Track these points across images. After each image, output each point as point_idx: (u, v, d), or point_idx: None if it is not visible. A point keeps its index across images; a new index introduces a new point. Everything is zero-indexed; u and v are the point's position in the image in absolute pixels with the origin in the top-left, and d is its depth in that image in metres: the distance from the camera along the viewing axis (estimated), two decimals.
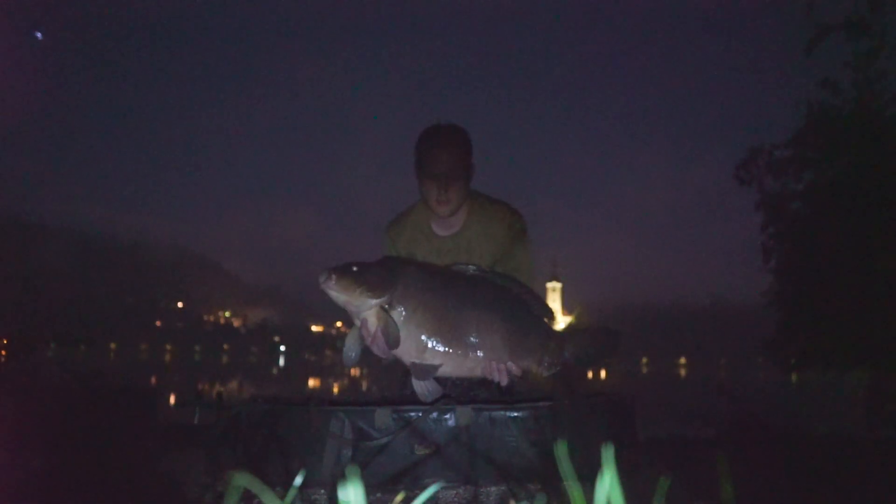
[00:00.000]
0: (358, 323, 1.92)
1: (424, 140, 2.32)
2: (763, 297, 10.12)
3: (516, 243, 2.38)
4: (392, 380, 2.58)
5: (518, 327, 1.96)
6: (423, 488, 1.52)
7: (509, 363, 1.94)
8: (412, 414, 1.67)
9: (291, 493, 0.77)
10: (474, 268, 2.06)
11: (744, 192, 9.74)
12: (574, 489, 0.64)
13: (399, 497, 1.55)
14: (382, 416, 1.66)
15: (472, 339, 1.92)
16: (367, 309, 1.87)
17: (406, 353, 1.91)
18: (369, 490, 1.57)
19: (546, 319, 2.04)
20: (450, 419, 1.67)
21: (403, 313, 1.88)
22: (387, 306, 1.87)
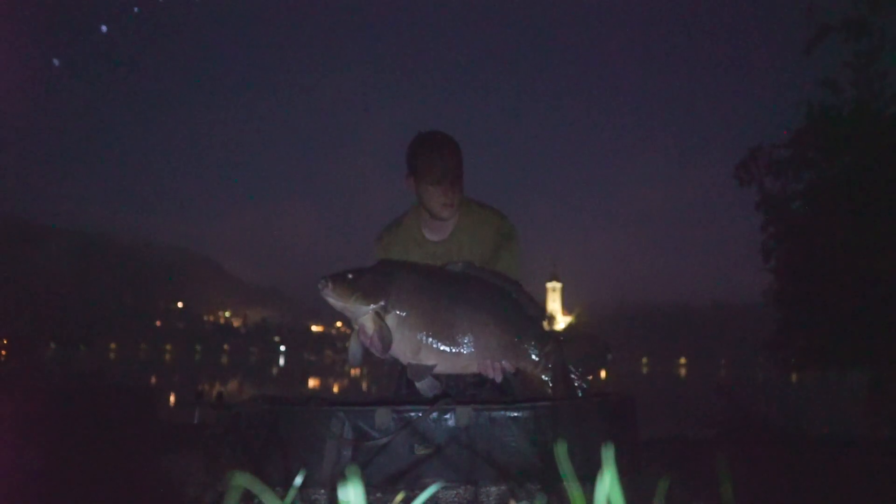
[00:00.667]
0: (356, 327, 2.00)
1: (422, 147, 2.33)
2: (763, 297, 10.13)
3: (503, 247, 2.43)
4: (392, 380, 2.60)
5: (512, 326, 2.00)
6: (423, 488, 1.52)
7: (503, 361, 1.99)
8: (412, 414, 1.67)
9: (291, 493, 0.77)
10: (467, 266, 2.11)
11: (744, 192, 9.75)
12: (574, 489, 0.64)
13: (399, 497, 1.55)
14: (382, 416, 1.66)
15: (465, 338, 1.98)
16: (363, 314, 1.96)
17: (402, 354, 1.99)
18: (369, 490, 1.57)
19: (540, 319, 2.07)
20: (450, 419, 1.66)
21: (398, 317, 1.96)
22: (382, 311, 1.95)
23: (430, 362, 1.97)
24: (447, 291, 2.02)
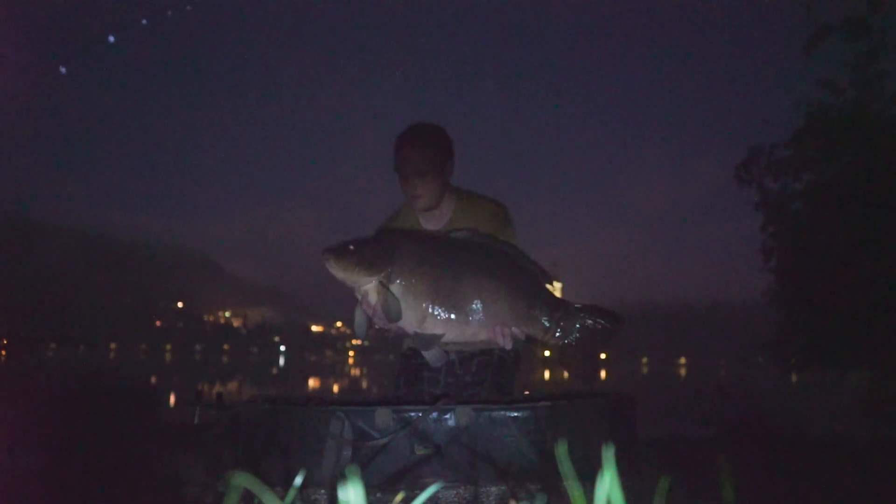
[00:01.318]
0: (360, 298, 1.96)
1: (397, 141, 2.46)
2: (763, 297, 10.12)
3: (500, 232, 2.45)
4: (391, 380, 2.60)
5: (521, 292, 1.94)
6: (423, 488, 1.52)
7: (513, 328, 1.94)
8: (412, 414, 1.66)
9: (291, 493, 0.77)
10: (472, 233, 2.07)
11: (744, 192, 9.74)
12: (574, 489, 0.64)
13: (399, 497, 1.55)
14: (382, 416, 1.65)
15: (472, 305, 1.93)
16: (367, 284, 1.92)
17: (408, 323, 1.94)
18: (369, 490, 1.57)
19: (548, 285, 2.02)
20: (450, 419, 1.66)
21: (402, 286, 1.91)
22: (385, 280, 1.91)
23: (437, 331, 1.92)
24: (453, 258, 1.96)
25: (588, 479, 0.73)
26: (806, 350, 9.56)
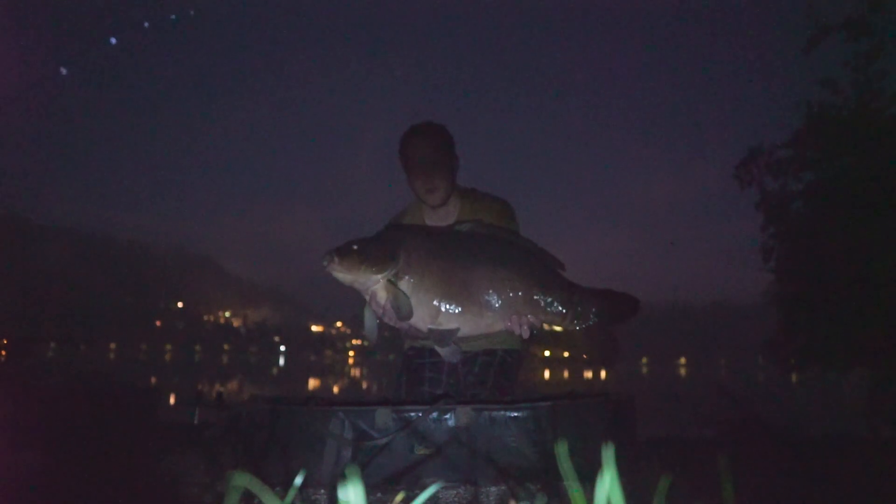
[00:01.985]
0: (368, 298, 1.90)
1: (406, 137, 2.46)
2: (763, 296, 10.12)
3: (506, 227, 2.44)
4: (392, 380, 2.60)
5: (534, 280, 1.91)
6: (423, 488, 1.52)
7: (529, 316, 1.89)
8: (412, 414, 1.66)
9: (291, 493, 0.77)
10: (476, 225, 2.03)
11: (744, 191, 9.74)
12: (574, 489, 0.64)
13: (399, 497, 1.55)
14: (382, 416, 1.65)
15: (486, 296, 1.88)
16: (375, 284, 1.86)
17: (421, 320, 1.89)
18: (369, 490, 1.57)
19: (560, 271, 1.99)
20: (450, 419, 1.66)
21: (411, 282, 1.86)
22: (393, 278, 1.85)
23: (451, 326, 1.87)
24: (462, 249, 1.92)
25: (588, 479, 0.73)
26: (806, 350, 9.56)
